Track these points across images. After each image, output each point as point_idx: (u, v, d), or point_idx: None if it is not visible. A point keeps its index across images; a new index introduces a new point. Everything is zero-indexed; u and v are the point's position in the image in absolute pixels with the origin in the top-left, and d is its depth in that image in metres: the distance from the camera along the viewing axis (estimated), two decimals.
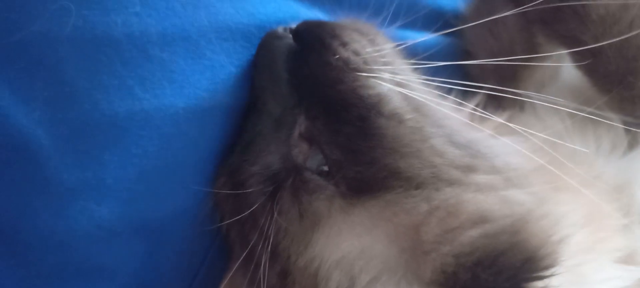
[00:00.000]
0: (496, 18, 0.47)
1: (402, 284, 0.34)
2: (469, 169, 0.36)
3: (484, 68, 0.43)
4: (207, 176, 0.41)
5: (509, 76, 0.45)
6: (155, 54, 0.37)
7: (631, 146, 0.46)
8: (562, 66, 0.47)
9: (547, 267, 0.34)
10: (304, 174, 0.37)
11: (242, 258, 0.38)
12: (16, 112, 0.35)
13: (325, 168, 0.37)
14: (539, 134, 0.38)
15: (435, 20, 0.49)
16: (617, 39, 0.41)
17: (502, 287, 0.33)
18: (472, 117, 0.41)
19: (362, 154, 0.36)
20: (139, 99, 0.37)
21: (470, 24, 0.44)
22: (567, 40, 0.44)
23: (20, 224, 0.36)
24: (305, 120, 0.38)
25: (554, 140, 0.38)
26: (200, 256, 0.43)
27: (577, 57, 0.45)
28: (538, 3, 0.41)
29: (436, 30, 0.48)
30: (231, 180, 0.39)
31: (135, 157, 0.37)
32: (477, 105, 0.42)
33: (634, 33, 0.42)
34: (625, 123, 0.46)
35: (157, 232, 0.39)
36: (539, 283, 0.34)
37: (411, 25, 0.46)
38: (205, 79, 0.39)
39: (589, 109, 0.42)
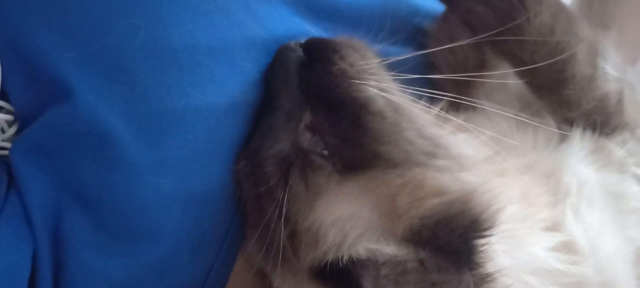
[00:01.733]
0: (454, 37, 0.57)
1: (381, 239, 0.44)
2: (432, 155, 0.46)
3: (446, 79, 0.54)
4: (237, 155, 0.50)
5: (465, 85, 0.54)
6: (203, 61, 0.47)
7: (561, 141, 0.55)
8: (508, 77, 0.57)
9: (487, 229, 0.44)
10: (309, 156, 0.46)
11: (262, 226, 0.46)
12: (100, 107, 0.44)
13: (325, 152, 0.46)
14: (487, 132, 0.48)
15: (413, 38, 0.59)
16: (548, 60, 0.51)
17: (454, 242, 0.43)
18: (437, 117, 0.51)
19: (354, 141, 0.46)
20: (191, 96, 0.47)
21: (436, 49, 0.54)
22: (510, 57, 0.54)
23: (102, 194, 0.45)
24: (310, 115, 0.48)
25: (498, 136, 0.50)
26: (228, 224, 0.51)
27: (518, 68, 0.54)
28: (489, 33, 0.52)
29: (413, 47, 0.58)
30: (251, 162, 0.48)
31: (189, 141, 0.47)
32: (440, 109, 0.52)
33: (562, 57, 0.52)
34: (556, 122, 0.56)
35: (203, 202, 0.48)
36: (482, 240, 0.44)
37: (394, 42, 0.56)
38: (237, 81, 0.49)
39: (524, 115, 0.52)
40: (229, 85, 0.48)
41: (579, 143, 0.55)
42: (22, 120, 0.48)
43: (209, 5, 0.48)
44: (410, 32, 0.59)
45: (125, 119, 0.44)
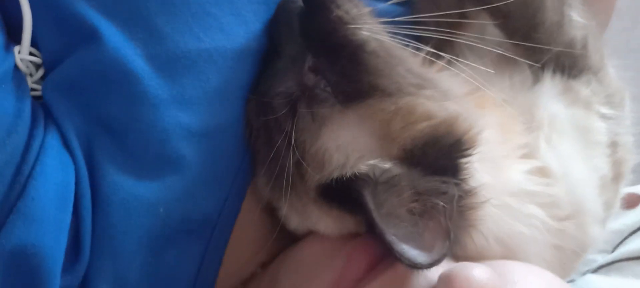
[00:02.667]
0: None
1: (379, 159, 0.50)
2: (420, 87, 0.52)
3: (429, 27, 0.58)
4: (246, 97, 0.55)
5: (447, 34, 0.59)
6: (211, 10, 0.53)
7: (535, 82, 0.61)
8: (487, 28, 0.63)
9: (469, 148, 0.50)
10: (314, 91, 0.52)
11: (272, 155, 0.52)
12: (124, 48, 0.50)
13: (328, 87, 0.52)
14: (466, 67, 0.54)
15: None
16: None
17: (440, 159, 0.50)
18: (423, 60, 0.57)
19: (352, 76, 0.51)
20: (202, 40, 0.52)
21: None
22: (487, 9, 0.60)
23: (129, 126, 0.50)
24: (312, 58, 0.53)
25: (477, 67, 0.55)
26: (240, 159, 0.56)
27: (495, 18, 0.60)
28: None
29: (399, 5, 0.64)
30: (261, 99, 0.54)
31: (201, 81, 0.52)
32: (426, 52, 0.58)
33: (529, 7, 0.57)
34: (530, 65, 0.61)
35: (217, 136, 0.53)
36: (464, 158, 0.50)
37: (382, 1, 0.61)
38: (242, 30, 0.55)
39: (501, 50, 0.58)
40: (235, 32, 0.54)
41: (550, 83, 0.61)
42: (49, 63, 0.53)
43: None
44: None
45: (146, 59, 0.50)
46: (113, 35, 0.50)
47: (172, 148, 0.51)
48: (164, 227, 0.52)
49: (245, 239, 0.60)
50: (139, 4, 0.50)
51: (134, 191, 0.50)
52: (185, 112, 0.51)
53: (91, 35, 0.50)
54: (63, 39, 0.51)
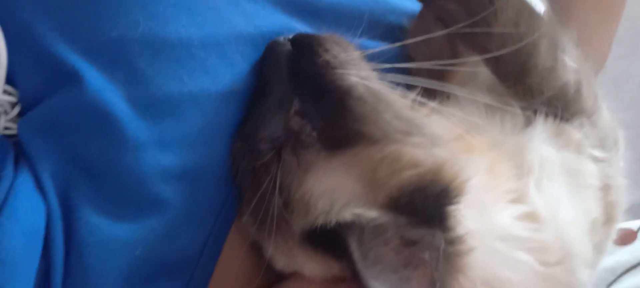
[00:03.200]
0: (429, 32, 0.62)
1: (365, 206, 0.50)
2: (408, 133, 0.52)
3: (421, 69, 0.60)
4: (230, 140, 0.56)
5: (439, 75, 0.60)
6: (196, 53, 0.53)
7: (525, 125, 0.61)
8: (478, 67, 0.62)
9: (456, 196, 0.50)
10: (300, 136, 0.52)
11: (257, 197, 0.52)
12: (105, 91, 0.50)
13: (314, 133, 0.52)
14: (457, 114, 0.55)
15: (389, 33, 0.65)
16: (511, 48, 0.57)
17: (427, 207, 0.49)
18: (412, 103, 0.57)
19: (339, 123, 0.52)
20: (186, 83, 0.52)
21: (411, 40, 0.60)
22: (479, 48, 0.60)
23: (108, 168, 0.50)
24: (299, 101, 0.54)
25: (467, 118, 0.56)
26: (222, 199, 0.57)
27: (487, 60, 0.60)
28: (459, 26, 0.58)
29: (389, 41, 0.63)
30: (247, 142, 0.54)
31: (184, 123, 0.53)
32: (416, 95, 0.58)
33: (521, 44, 0.57)
34: (522, 108, 0.61)
35: (198, 177, 0.54)
36: (452, 206, 0.50)
37: (371, 37, 0.62)
38: (228, 72, 0.55)
39: (488, 98, 0.58)
40: (221, 74, 0.54)
41: (542, 126, 0.61)
42: (26, 102, 0.54)
43: (201, 4, 0.54)
44: (387, 29, 0.65)
45: (127, 102, 0.51)
46: (94, 78, 0.50)
47: (151, 190, 0.51)
48: (142, 268, 0.52)
49: (228, 277, 0.60)
50: (121, 45, 0.51)
51: (110, 233, 0.50)
52: (165, 154, 0.52)
53: (71, 77, 0.50)
54: (42, 79, 0.52)
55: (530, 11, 0.62)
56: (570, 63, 0.63)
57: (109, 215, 0.50)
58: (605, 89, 0.75)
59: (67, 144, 0.51)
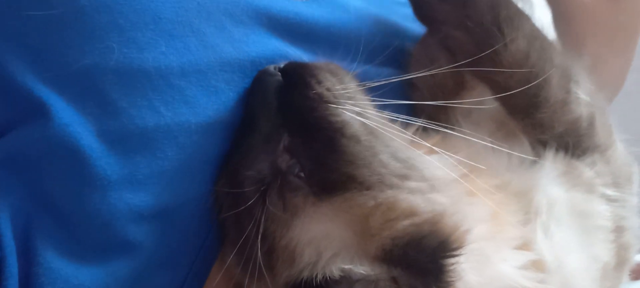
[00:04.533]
0: (434, 59, 0.61)
1: (355, 258, 0.47)
2: (405, 177, 0.49)
3: (424, 100, 0.57)
4: (212, 175, 0.53)
5: (444, 106, 0.58)
6: (175, 82, 0.50)
7: (534, 162, 0.58)
8: (484, 99, 0.59)
9: (456, 248, 0.47)
10: (287, 177, 0.49)
11: (240, 242, 0.49)
12: (73, 125, 0.47)
13: (302, 174, 0.49)
14: (457, 155, 0.52)
15: (392, 59, 0.62)
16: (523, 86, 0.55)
17: (424, 261, 0.46)
18: (411, 140, 0.54)
19: (329, 164, 0.49)
20: (163, 116, 0.49)
21: (416, 74, 0.57)
22: (487, 81, 0.58)
23: (73, 208, 0.48)
24: (288, 137, 0.51)
25: (469, 161, 0.52)
26: (201, 239, 0.54)
27: (494, 91, 0.58)
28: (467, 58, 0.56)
29: (390, 66, 0.61)
30: (230, 181, 0.51)
31: (159, 159, 0.50)
32: (415, 132, 0.55)
33: (534, 80, 0.55)
34: (530, 143, 0.59)
35: (174, 217, 0.51)
36: (451, 260, 0.47)
37: (372, 63, 0.59)
38: (211, 101, 0.52)
39: (496, 139, 0.56)
40: (202, 105, 0.51)
41: (551, 164, 0.58)
42: None
43: (184, 28, 0.51)
44: (390, 54, 0.62)
45: (97, 136, 0.48)
46: (62, 110, 0.47)
47: (119, 232, 0.49)
48: None
49: None
50: (93, 75, 0.47)
51: (74, 278, 0.47)
52: (136, 192, 0.49)
53: (39, 110, 0.47)
54: (8, 111, 0.49)
55: (542, 41, 0.59)
56: (583, 96, 0.60)
57: (73, 258, 0.48)
58: (618, 102, 0.72)
59: (32, 180, 0.48)
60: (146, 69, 0.49)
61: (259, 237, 0.48)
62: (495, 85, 0.57)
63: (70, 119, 0.47)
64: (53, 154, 0.47)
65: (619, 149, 0.64)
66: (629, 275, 0.72)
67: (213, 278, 0.56)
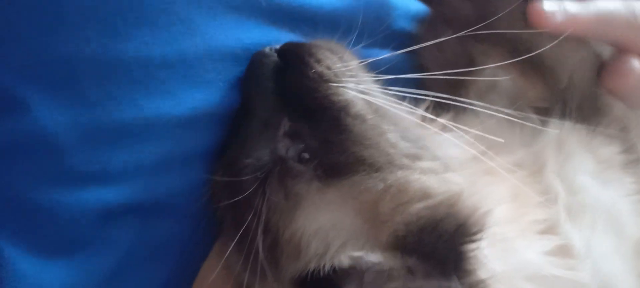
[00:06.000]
0: (439, 36, 0.58)
1: (366, 247, 0.45)
2: (416, 157, 0.47)
3: (435, 78, 0.55)
4: (196, 169, 0.52)
5: (455, 84, 0.56)
6: (156, 73, 0.49)
7: (541, 131, 0.56)
8: (498, 74, 0.58)
9: (476, 233, 0.45)
10: (288, 163, 0.48)
11: (239, 235, 0.48)
12: (45, 116, 0.47)
13: (306, 155, 0.48)
14: (471, 130, 0.49)
15: (393, 39, 0.60)
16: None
17: (441, 248, 0.44)
18: (421, 118, 0.52)
19: (335, 145, 0.48)
20: (142, 108, 0.49)
21: (418, 46, 0.56)
22: (496, 47, 0.57)
23: (41, 203, 0.47)
24: (288, 121, 0.50)
25: (485, 135, 0.51)
26: (186, 235, 0.53)
27: (510, 54, 0.57)
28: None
29: (394, 48, 0.59)
30: (227, 171, 0.50)
31: (136, 153, 0.49)
32: (426, 109, 0.53)
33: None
34: (542, 122, 0.57)
35: (151, 213, 0.50)
36: (471, 245, 0.45)
37: (373, 44, 0.57)
38: (198, 92, 0.51)
39: (509, 111, 0.53)
40: (186, 96, 0.50)
41: (563, 136, 0.57)
42: None
43: (171, 16, 0.50)
44: (391, 33, 0.61)
45: (70, 130, 0.47)
46: (36, 103, 0.47)
47: (90, 228, 0.48)
48: None
49: None
50: (68, 65, 0.47)
51: (43, 279, 0.47)
52: (109, 188, 0.49)
53: (16, 104, 0.47)
54: None
55: None
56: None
57: (42, 257, 0.47)
58: None
59: (1, 175, 0.48)
60: (125, 59, 0.48)
61: (260, 229, 0.47)
62: (506, 46, 0.57)
63: (43, 112, 0.47)
64: (24, 149, 0.47)
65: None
66: None
67: (207, 276, 0.54)
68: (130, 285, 0.51)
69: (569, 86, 0.58)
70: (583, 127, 0.58)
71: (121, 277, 0.50)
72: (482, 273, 0.45)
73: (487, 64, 0.58)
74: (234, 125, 0.53)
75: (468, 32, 0.53)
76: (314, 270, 0.46)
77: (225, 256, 0.52)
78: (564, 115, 0.58)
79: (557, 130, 0.57)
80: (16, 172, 0.47)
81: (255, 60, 0.52)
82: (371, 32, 0.57)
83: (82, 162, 0.48)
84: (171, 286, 0.53)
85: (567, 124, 0.57)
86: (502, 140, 0.51)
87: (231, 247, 0.50)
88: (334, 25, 0.57)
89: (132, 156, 0.49)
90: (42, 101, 0.47)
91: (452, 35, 0.55)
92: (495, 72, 0.59)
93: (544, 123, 0.57)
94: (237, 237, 0.48)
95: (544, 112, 0.58)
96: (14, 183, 0.47)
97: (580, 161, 0.56)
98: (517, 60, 0.56)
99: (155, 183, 0.50)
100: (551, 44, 0.55)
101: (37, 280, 0.47)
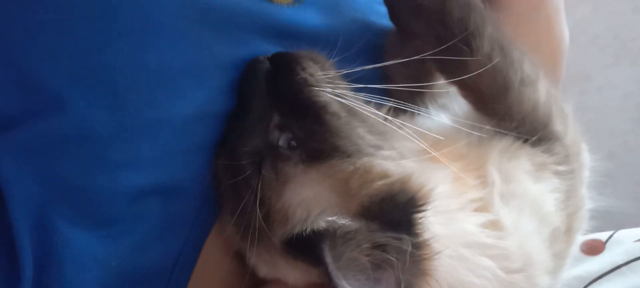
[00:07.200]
0: (405, 50, 0.69)
1: (338, 215, 0.55)
2: (379, 147, 0.59)
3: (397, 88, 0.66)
4: (205, 157, 0.61)
5: (414, 92, 0.68)
6: (174, 79, 0.58)
7: (491, 140, 0.68)
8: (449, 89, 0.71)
9: (423, 204, 0.56)
10: (278, 150, 0.58)
11: (239, 210, 0.58)
12: (87, 115, 0.54)
13: (294, 143, 0.58)
14: (420, 130, 0.61)
15: (366, 51, 0.71)
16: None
17: (396, 215, 0.56)
18: (384, 117, 0.63)
19: (316, 136, 0.58)
20: (164, 108, 0.57)
21: (388, 63, 0.67)
22: (456, 83, 0.66)
23: (84, 187, 0.55)
24: (278, 116, 0.59)
25: (434, 135, 0.62)
26: (196, 212, 0.62)
27: (463, 91, 0.68)
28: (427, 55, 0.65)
29: (365, 60, 0.68)
30: (229, 157, 0.60)
31: (159, 145, 0.57)
32: (387, 111, 0.64)
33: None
34: (490, 126, 0.68)
35: (171, 194, 0.59)
36: (419, 214, 0.56)
37: (348, 56, 0.67)
38: (206, 95, 0.60)
39: (452, 118, 0.65)
40: (198, 98, 0.59)
41: (509, 144, 0.68)
42: (0, 123, 0.57)
43: (186, 33, 0.59)
44: (365, 47, 0.72)
45: (107, 125, 0.55)
46: (78, 103, 0.54)
47: (124, 207, 0.56)
48: (118, 280, 0.57)
49: (210, 284, 0.66)
50: (104, 72, 0.55)
51: (87, 247, 0.55)
52: (139, 174, 0.57)
53: (56, 103, 0.54)
54: (22, 103, 0.56)
55: (502, 42, 0.68)
56: (541, 87, 0.70)
57: (86, 230, 0.55)
58: (589, 97, 0.81)
59: (46, 165, 0.54)
60: (150, 67, 0.56)
61: (257, 203, 0.57)
62: (464, 86, 0.67)
63: (85, 110, 0.55)
64: (68, 142, 0.55)
65: (572, 127, 0.74)
66: (584, 251, 0.82)
67: (211, 248, 0.65)
68: (152, 255, 0.59)
69: (518, 126, 0.67)
70: (527, 140, 0.69)
71: (146, 248, 0.58)
72: (426, 235, 0.56)
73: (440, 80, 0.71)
74: (233, 119, 0.63)
75: (425, 55, 0.64)
76: (298, 232, 0.56)
77: (227, 231, 0.63)
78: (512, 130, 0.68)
79: (503, 141, 0.68)
80: (65, 163, 0.55)
81: (251, 66, 0.61)
82: (347, 46, 0.67)
83: (117, 152, 0.55)
84: (183, 256, 0.61)
85: (513, 137, 0.68)
86: (442, 138, 0.63)
87: (232, 222, 0.61)
88: (316, 40, 0.67)
89: (157, 147, 0.57)
90: (82, 101, 0.55)
91: (414, 55, 0.65)
92: (447, 86, 0.71)
93: (494, 133, 0.68)
94: (238, 211, 0.58)
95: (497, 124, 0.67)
96: (64, 173, 0.55)
97: (519, 162, 0.68)
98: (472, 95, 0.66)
99: (174, 169, 0.58)
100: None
101: (83, 248, 0.55)
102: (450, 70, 0.66)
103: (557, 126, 0.71)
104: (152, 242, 0.59)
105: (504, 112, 0.67)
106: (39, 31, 0.55)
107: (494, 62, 0.65)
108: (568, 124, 0.74)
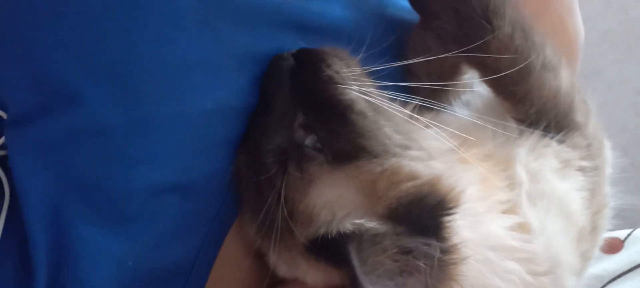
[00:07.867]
0: (428, 48, 0.69)
1: (365, 217, 0.55)
2: (406, 147, 0.57)
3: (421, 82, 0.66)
4: (225, 154, 0.60)
5: (438, 89, 0.67)
6: (192, 73, 0.56)
7: (517, 137, 0.68)
8: (475, 82, 0.70)
9: (452, 207, 0.55)
10: (304, 149, 0.57)
11: (264, 210, 0.57)
12: (103, 110, 0.54)
13: (319, 144, 0.56)
14: (448, 129, 0.60)
15: (391, 49, 0.70)
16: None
17: (424, 218, 0.55)
18: (410, 116, 0.62)
19: (342, 136, 0.56)
20: (181, 102, 0.55)
21: (412, 60, 0.66)
22: (476, 65, 0.67)
23: (99, 183, 0.54)
24: (302, 114, 0.58)
25: (460, 133, 0.61)
26: (214, 210, 0.61)
27: (484, 74, 0.67)
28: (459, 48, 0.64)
29: (390, 57, 0.67)
30: (251, 155, 0.59)
31: (176, 140, 0.56)
32: (413, 109, 0.63)
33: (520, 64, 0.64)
34: (516, 122, 0.68)
35: (187, 191, 0.57)
36: (448, 217, 0.56)
37: (373, 54, 0.66)
38: (225, 90, 0.58)
39: (477, 115, 0.64)
40: (217, 93, 0.57)
41: (533, 139, 0.68)
42: (14, 119, 0.57)
43: (204, 26, 0.57)
44: (390, 44, 0.70)
45: (123, 120, 0.54)
46: (93, 97, 0.53)
47: (139, 204, 0.55)
48: (135, 278, 0.56)
49: (229, 283, 0.65)
50: (120, 66, 0.54)
51: (103, 245, 0.54)
52: (155, 170, 0.56)
53: (71, 98, 0.53)
54: (38, 97, 0.55)
55: (523, 25, 0.68)
56: (563, 73, 0.70)
57: (102, 228, 0.54)
58: (601, 93, 0.82)
59: (61, 161, 0.54)
60: (167, 61, 0.55)
61: (281, 202, 0.56)
62: (485, 69, 0.66)
63: (101, 105, 0.54)
64: (84, 136, 0.54)
65: (593, 121, 0.74)
66: (602, 249, 0.82)
67: (230, 247, 0.64)
68: (169, 254, 0.58)
69: (539, 111, 0.67)
70: (553, 137, 0.68)
71: (163, 246, 0.57)
72: (455, 239, 0.56)
73: (468, 74, 0.69)
74: (255, 117, 0.61)
75: (453, 54, 0.64)
76: (323, 234, 0.55)
77: (247, 230, 0.62)
78: (537, 126, 0.68)
79: (530, 139, 0.67)
80: (81, 159, 0.54)
81: (274, 62, 0.59)
82: (372, 42, 0.66)
83: (134, 147, 0.54)
84: (201, 255, 0.61)
85: (539, 134, 0.68)
86: (474, 138, 0.62)
87: (255, 219, 0.59)
88: (340, 34, 0.66)
89: (175, 143, 0.56)
90: (98, 96, 0.54)
91: (438, 52, 0.64)
92: (472, 83, 0.70)
93: (520, 132, 0.68)
94: (264, 210, 0.57)
95: (521, 121, 0.67)
96: (79, 169, 0.54)
97: (547, 160, 0.67)
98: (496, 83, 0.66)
99: (193, 166, 0.57)
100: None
101: (99, 247, 0.54)
102: (472, 50, 0.65)
103: (579, 117, 0.70)
104: (170, 240, 0.58)
105: (524, 95, 0.66)
106: (54, 23, 0.54)
107: (516, 43, 0.64)
108: (590, 118, 0.73)
